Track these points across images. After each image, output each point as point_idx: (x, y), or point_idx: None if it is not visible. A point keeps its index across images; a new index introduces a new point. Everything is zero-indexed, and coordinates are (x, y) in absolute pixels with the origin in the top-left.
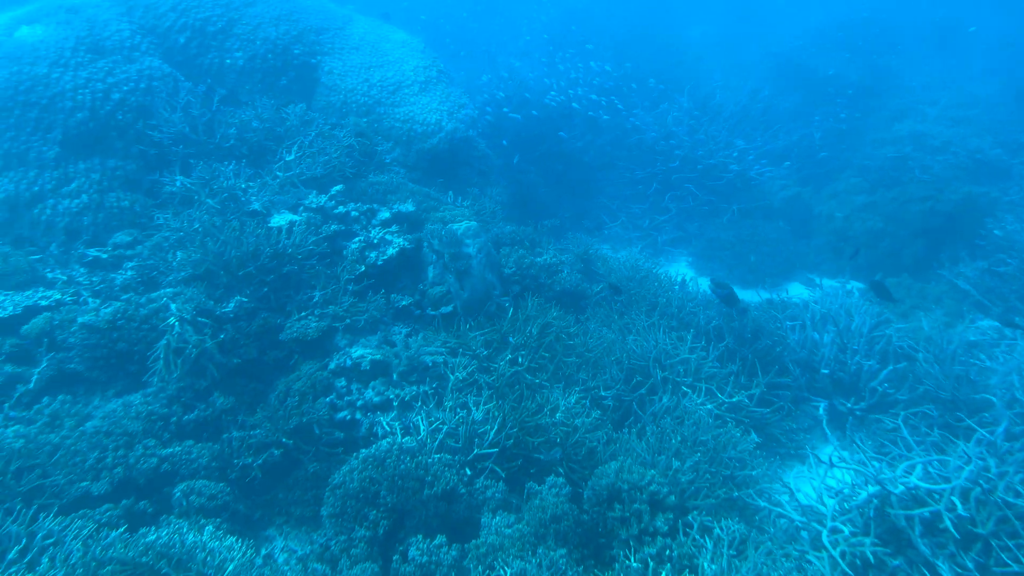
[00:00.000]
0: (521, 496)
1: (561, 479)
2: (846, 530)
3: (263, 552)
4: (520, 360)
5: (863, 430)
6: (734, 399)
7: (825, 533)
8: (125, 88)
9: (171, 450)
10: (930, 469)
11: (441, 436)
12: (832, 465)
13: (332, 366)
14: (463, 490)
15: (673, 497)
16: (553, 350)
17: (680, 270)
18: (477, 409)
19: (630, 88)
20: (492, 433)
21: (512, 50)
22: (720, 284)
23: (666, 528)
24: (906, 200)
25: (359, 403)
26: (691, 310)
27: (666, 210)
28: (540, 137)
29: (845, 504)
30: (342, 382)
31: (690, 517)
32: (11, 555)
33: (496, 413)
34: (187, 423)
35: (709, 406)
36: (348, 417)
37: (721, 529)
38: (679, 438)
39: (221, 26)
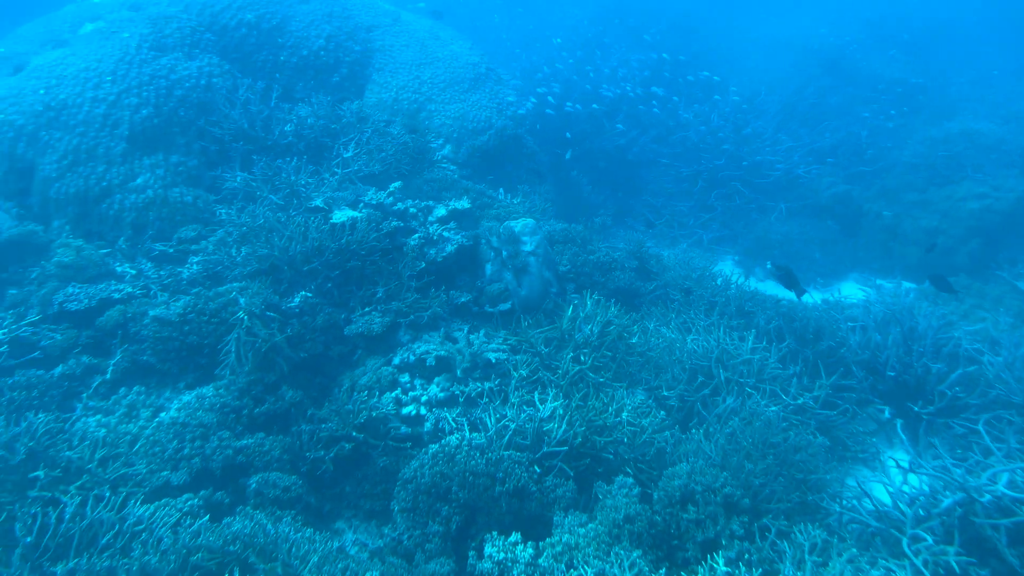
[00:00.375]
0: (589, 495)
1: (630, 479)
2: (929, 538)
3: (335, 545)
4: (583, 358)
5: (935, 435)
6: (799, 401)
7: (905, 541)
8: (187, 85)
9: (244, 442)
10: (1016, 477)
11: (509, 434)
12: (909, 470)
13: (396, 361)
14: (534, 488)
15: (747, 500)
16: (615, 348)
17: (729, 268)
18: (544, 406)
19: (686, 80)
20: (560, 431)
21: (567, 43)
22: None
23: (742, 531)
24: (960, 198)
25: (423, 399)
26: (749, 309)
27: (712, 208)
28: (583, 134)
29: (921, 511)
30: (406, 377)
31: (766, 521)
32: (103, 540)
33: (562, 411)
34: (258, 415)
35: (775, 408)
36: (413, 412)
37: (801, 534)
38: (749, 440)
39: (276, 23)
